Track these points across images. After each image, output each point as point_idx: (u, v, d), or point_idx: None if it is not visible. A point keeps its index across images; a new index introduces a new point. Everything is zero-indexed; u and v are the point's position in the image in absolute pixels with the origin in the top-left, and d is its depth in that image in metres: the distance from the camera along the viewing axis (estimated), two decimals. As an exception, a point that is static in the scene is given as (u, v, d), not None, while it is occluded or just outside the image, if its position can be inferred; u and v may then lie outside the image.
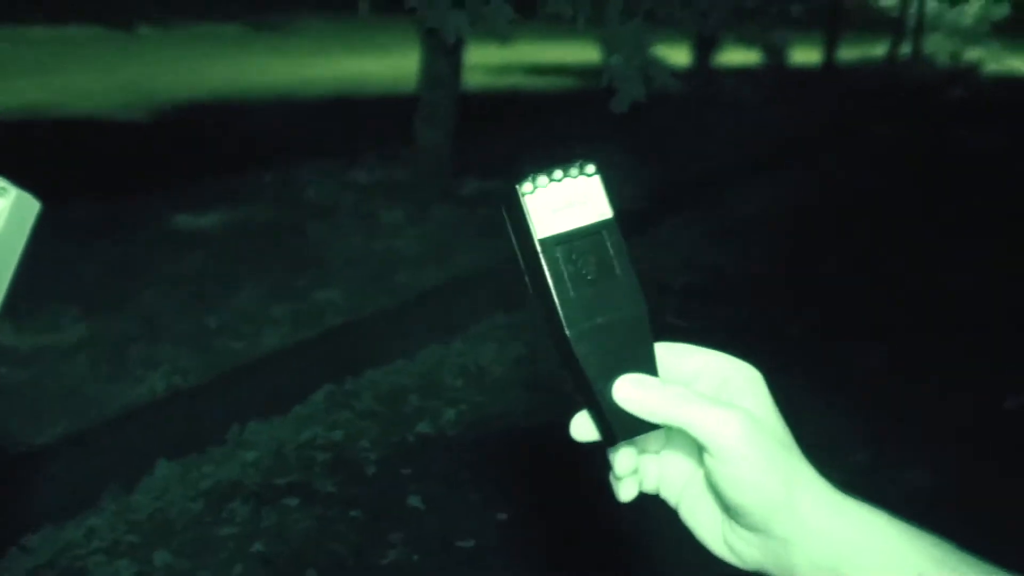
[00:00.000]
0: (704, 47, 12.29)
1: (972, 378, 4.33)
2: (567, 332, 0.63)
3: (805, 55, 17.05)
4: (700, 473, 0.65)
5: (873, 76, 17.29)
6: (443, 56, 6.41)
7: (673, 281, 5.45)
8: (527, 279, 0.67)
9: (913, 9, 21.44)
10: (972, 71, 21.92)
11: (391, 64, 17.22)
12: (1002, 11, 26.76)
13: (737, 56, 14.69)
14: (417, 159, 6.72)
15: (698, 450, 0.63)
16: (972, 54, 24.38)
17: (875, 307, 5.30)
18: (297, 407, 3.77)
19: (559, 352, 0.65)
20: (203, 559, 2.88)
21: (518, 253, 0.66)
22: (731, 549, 0.63)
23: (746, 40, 6.59)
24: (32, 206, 0.64)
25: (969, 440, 3.81)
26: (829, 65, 15.92)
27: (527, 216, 0.64)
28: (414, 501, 3.26)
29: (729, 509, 0.62)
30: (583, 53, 19.38)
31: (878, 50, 20.03)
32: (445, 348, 4.45)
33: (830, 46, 15.88)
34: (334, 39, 22.62)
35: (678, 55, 10.37)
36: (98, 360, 3.85)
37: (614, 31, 4.81)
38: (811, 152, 9.76)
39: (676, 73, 5.24)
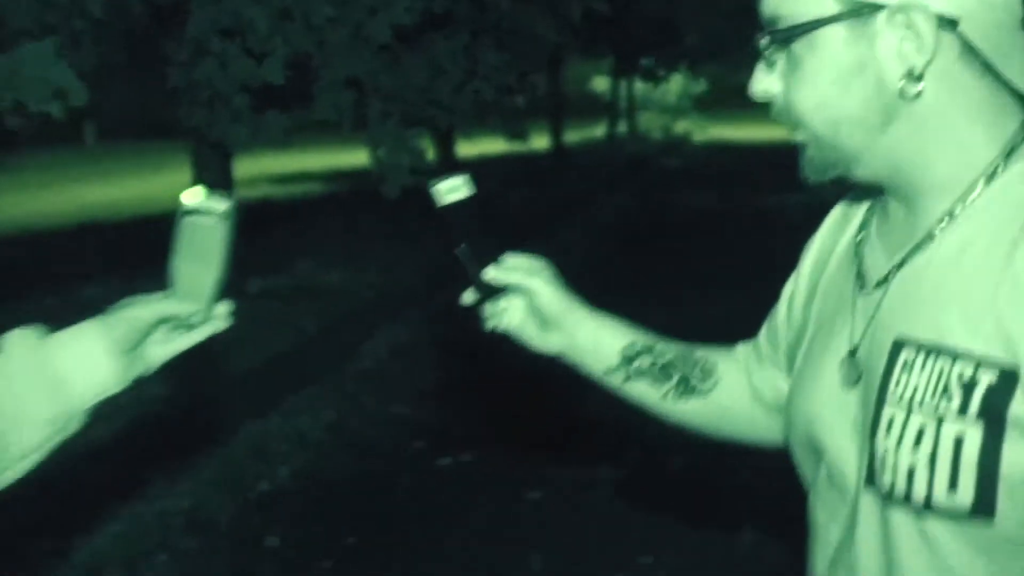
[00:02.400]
0: (444, 140, 13.30)
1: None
2: (456, 248, 1.28)
3: (536, 141, 18.52)
4: (526, 312, 1.30)
5: (596, 154, 18.95)
6: (215, 169, 6.92)
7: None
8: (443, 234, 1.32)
9: (623, 92, 23.61)
10: (683, 142, 24.28)
11: (128, 189, 17.30)
12: (700, 87, 29.87)
13: (475, 147, 15.88)
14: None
15: (527, 298, 1.29)
16: (681, 127, 26.96)
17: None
18: (141, 490, 4.17)
19: (458, 261, 1.30)
20: None
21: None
22: (544, 343, 1.30)
23: (486, 130, 7.53)
24: (232, 209, 1.21)
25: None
26: (558, 148, 17.40)
27: (435, 193, 1.30)
28: (271, 541, 3.76)
29: (542, 321, 1.28)
30: (321, 159, 20.08)
31: (599, 131, 21.88)
32: (266, 422, 4.94)
33: (556, 131, 17.39)
34: (64, 170, 22.21)
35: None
36: None
37: (377, 130, 5.54)
38: (550, 226, 10.83)
39: (424, 166, 5.97)
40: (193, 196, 1.22)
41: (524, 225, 10.54)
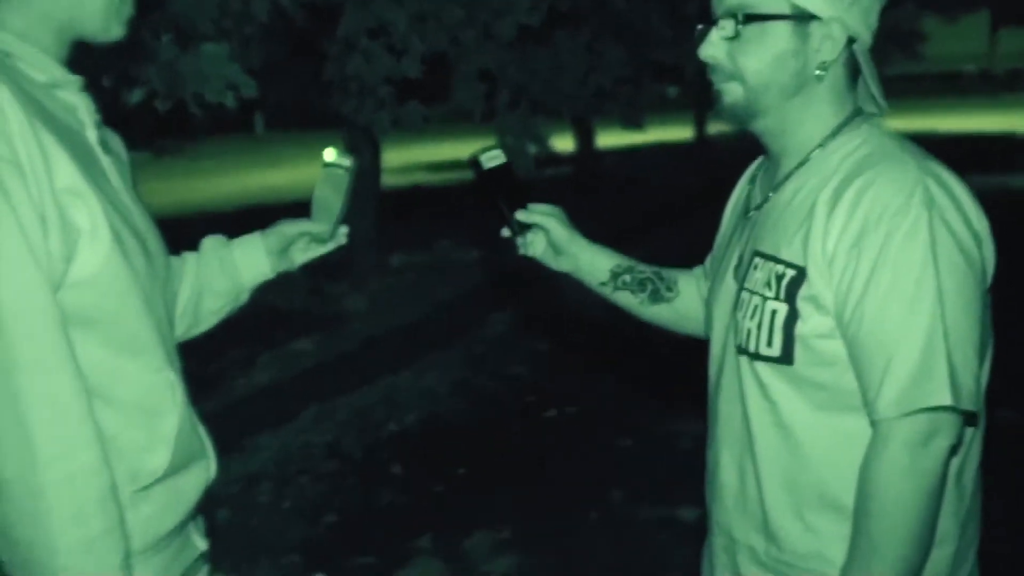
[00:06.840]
0: (583, 131, 13.82)
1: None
2: (499, 198, 1.82)
3: (682, 132, 18.87)
4: (545, 243, 1.81)
5: (741, 143, 19.08)
6: (366, 154, 7.65)
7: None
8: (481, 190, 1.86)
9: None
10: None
11: (290, 175, 18.44)
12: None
13: (620, 138, 16.37)
14: (350, 243, 7.89)
15: (545, 233, 1.80)
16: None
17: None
18: (289, 424, 4.89)
19: (499, 210, 1.83)
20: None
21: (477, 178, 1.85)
22: (558, 264, 1.80)
23: (612, 120, 7.96)
24: (355, 164, 1.78)
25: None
26: (701, 138, 17.69)
27: (480, 161, 1.83)
28: (395, 469, 4.40)
29: (556, 249, 1.79)
30: (471, 149, 20.85)
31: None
32: (397, 376, 5.61)
33: (700, 122, 17.67)
34: (235, 157, 23.78)
35: (564, 143, 11.83)
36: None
37: (504, 118, 6.14)
38: (687, 209, 11.22)
39: (562, 156, 6.36)
40: (330, 154, 1.80)
41: (664, 207, 10.99)
